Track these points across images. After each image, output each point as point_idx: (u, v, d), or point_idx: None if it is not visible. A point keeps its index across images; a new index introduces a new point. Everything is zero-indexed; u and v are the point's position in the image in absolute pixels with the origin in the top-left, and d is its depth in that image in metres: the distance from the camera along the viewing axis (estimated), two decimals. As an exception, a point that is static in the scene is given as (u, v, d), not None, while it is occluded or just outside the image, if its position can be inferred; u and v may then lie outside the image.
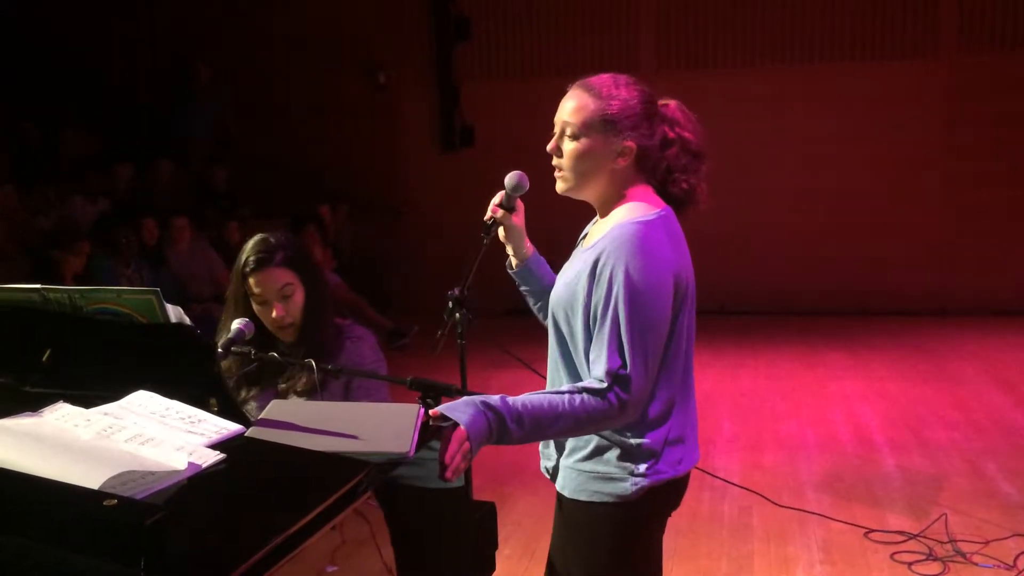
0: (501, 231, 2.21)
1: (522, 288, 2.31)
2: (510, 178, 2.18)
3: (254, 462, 1.63)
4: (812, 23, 9.23)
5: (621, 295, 1.84)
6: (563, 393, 1.84)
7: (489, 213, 2.19)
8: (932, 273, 9.09)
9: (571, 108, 1.97)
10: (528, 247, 2.26)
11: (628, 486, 1.94)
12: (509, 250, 2.26)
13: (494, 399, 1.79)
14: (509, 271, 2.30)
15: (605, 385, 1.83)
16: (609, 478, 1.95)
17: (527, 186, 2.19)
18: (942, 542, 3.88)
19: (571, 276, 1.98)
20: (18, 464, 1.39)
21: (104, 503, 1.25)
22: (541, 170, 2.19)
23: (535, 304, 2.30)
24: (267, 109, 10.22)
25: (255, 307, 2.49)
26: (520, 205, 2.23)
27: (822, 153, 9.24)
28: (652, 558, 2.07)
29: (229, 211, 8.84)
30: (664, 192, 2.03)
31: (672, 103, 2.06)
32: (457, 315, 2.29)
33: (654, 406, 1.94)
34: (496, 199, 2.20)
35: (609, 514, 1.96)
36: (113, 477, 1.33)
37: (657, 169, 2.02)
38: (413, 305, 8.99)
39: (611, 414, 1.84)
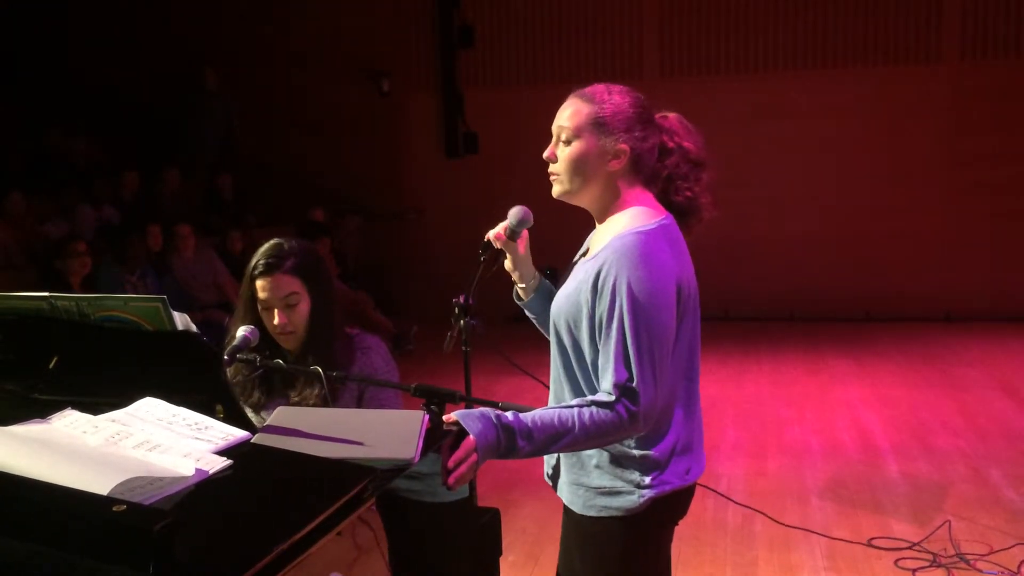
0: (508, 262, 2.18)
1: (532, 316, 2.25)
2: (514, 213, 2.14)
3: (260, 468, 1.64)
4: (815, 29, 9.25)
5: (625, 307, 1.84)
6: (572, 407, 1.84)
7: (490, 235, 2.15)
8: (936, 279, 9.08)
9: (567, 115, 1.99)
10: (535, 275, 2.22)
11: (635, 499, 1.94)
12: (515, 278, 2.21)
13: (507, 415, 1.80)
14: (517, 302, 2.25)
15: (613, 398, 1.82)
16: (616, 492, 1.95)
17: (531, 221, 2.14)
18: (947, 552, 3.87)
19: (572, 288, 1.97)
20: (27, 470, 1.40)
21: (113, 509, 1.26)
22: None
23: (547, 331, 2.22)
24: (271, 116, 10.26)
25: (260, 311, 2.45)
26: (524, 232, 2.18)
27: (826, 158, 9.25)
28: (660, 568, 2.06)
29: (235, 219, 8.85)
30: (666, 201, 2.03)
31: (672, 116, 2.07)
32: (462, 322, 2.29)
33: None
34: (500, 227, 2.15)
35: (618, 528, 1.96)
36: (121, 483, 1.34)
37: (657, 177, 2.02)
38: (418, 310, 9.01)
39: (621, 426, 1.83)
